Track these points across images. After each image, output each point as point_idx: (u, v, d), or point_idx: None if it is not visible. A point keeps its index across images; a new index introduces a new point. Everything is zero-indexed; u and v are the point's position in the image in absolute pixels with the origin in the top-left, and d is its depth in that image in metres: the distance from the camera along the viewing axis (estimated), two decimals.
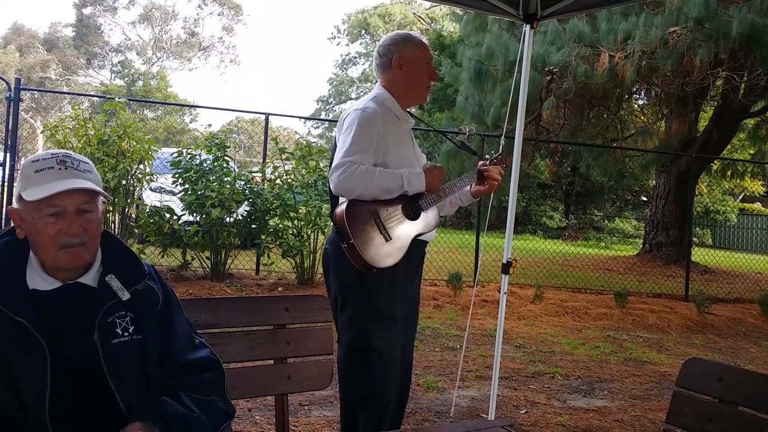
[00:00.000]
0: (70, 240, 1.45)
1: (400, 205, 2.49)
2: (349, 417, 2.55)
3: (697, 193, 18.07)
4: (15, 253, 1.48)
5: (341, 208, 2.41)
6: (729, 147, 16.00)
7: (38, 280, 1.47)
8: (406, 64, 2.61)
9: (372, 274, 2.42)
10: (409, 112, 2.75)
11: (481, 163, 2.77)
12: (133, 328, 1.50)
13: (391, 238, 2.43)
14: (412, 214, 2.51)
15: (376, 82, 2.72)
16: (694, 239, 17.73)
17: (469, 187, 2.76)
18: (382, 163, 2.49)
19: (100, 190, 1.50)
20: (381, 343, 2.46)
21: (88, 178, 1.50)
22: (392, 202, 2.47)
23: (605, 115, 13.06)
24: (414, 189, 2.48)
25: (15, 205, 1.50)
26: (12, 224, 1.53)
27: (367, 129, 2.46)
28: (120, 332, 1.48)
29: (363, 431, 2.48)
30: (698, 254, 14.14)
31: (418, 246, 2.58)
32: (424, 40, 2.74)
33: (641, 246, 14.43)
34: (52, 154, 1.49)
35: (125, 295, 1.51)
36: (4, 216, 7.31)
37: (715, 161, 13.80)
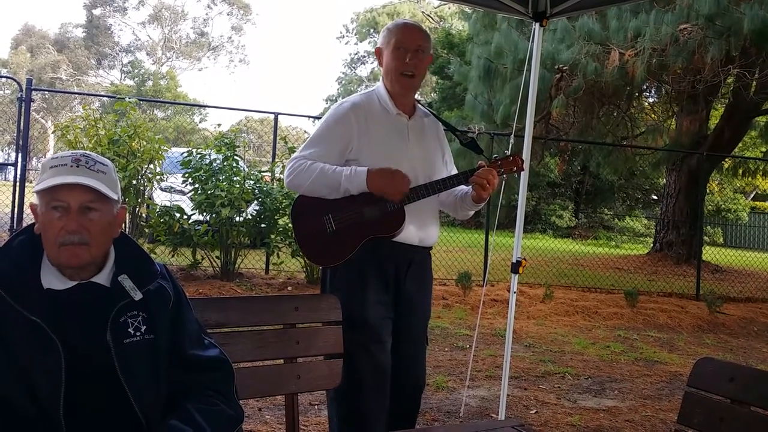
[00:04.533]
0: (70, 237, 1.44)
1: (358, 203, 2.33)
2: (328, 412, 2.52)
3: (708, 191, 17.98)
4: (31, 251, 1.49)
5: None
6: (740, 145, 15.87)
7: (52, 279, 1.47)
8: (381, 53, 2.47)
9: (342, 277, 2.38)
10: (423, 106, 2.61)
11: (479, 163, 2.48)
12: (145, 327, 1.51)
13: (336, 237, 2.32)
14: (372, 215, 2.33)
15: None
16: (705, 238, 17.60)
17: (467, 190, 2.53)
18: (354, 159, 2.38)
19: (100, 188, 1.46)
20: (352, 349, 2.28)
21: (99, 178, 1.48)
22: (350, 199, 2.33)
23: (615, 113, 13.00)
24: (355, 189, 2.30)
25: (33, 200, 1.52)
26: (27, 223, 1.55)
27: (333, 125, 2.41)
28: (132, 332, 1.48)
29: (338, 430, 2.42)
30: (709, 253, 14.04)
31: (394, 250, 2.40)
32: (401, 23, 2.47)
33: (652, 245, 14.36)
34: (71, 153, 1.50)
35: (137, 295, 1.51)
36: (15, 215, 7.36)
37: (727, 159, 13.71)
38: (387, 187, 2.31)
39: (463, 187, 2.54)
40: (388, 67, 2.42)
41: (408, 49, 2.39)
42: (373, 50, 3.19)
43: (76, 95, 37.96)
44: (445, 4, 32.92)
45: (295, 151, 8.18)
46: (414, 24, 2.50)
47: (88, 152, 1.52)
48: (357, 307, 2.35)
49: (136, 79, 43.66)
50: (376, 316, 2.39)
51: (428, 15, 38.70)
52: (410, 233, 2.41)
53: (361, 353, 2.33)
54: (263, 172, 8.28)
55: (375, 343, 2.38)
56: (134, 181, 7.52)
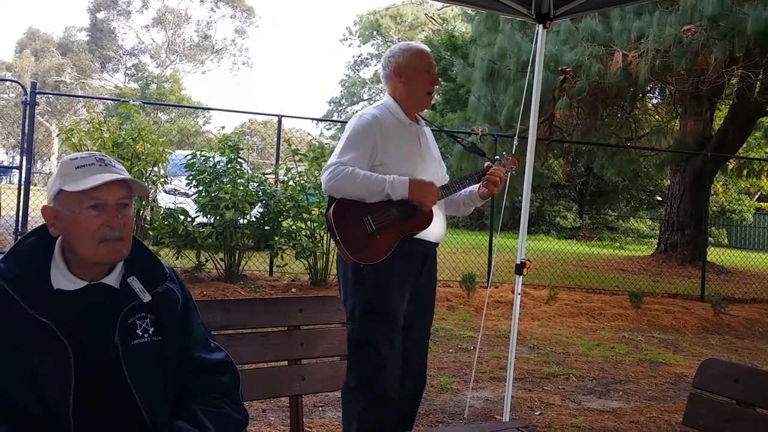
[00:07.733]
0: (111, 233, 1.46)
1: (392, 204, 2.55)
2: (345, 402, 2.71)
3: (712, 192, 17.92)
4: (41, 253, 1.50)
5: (331, 206, 2.55)
6: (745, 146, 15.85)
7: (62, 280, 1.48)
8: (404, 72, 2.72)
9: (368, 271, 2.54)
10: (421, 116, 2.86)
11: (487, 164, 2.81)
12: (153, 329, 1.51)
13: (377, 236, 2.51)
14: (404, 214, 2.56)
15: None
16: (710, 239, 17.54)
17: (476, 188, 2.80)
18: (379, 164, 2.59)
19: (142, 183, 1.54)
20: (376, 337, 2.56)
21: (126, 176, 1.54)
22: (384, 203, 2.54)
23: (619, 115, 12.99)
24: (397, 195, 2.53)
25: (50, 203, 1.51)
26: (32, 225, 1.55)
27: (361, 134, 2.61)
28: (140, 333, 1.49)
29: (359, 418, 2.60)
30: (714, 254, 14.00)
31: (418, 246, 2.64)
32: (424, 48, 2.81)
33: (656, 246, 14.33)
34: (89, 154, 1.52)
35: (146, 297, 1.52)
36: (20, 218, 7.38)
37: (731, 160, 13.68)
38: (423, 197, 2.57)
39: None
40: (418, 84, 2.72)
41: (432, 72, 2.76)
42: (377, 53, 3.37)
43: (81, 98, 38.11)
44: (448, 6, 32.92)
45: (298, 154, 8.13)
46: None
47: (104, 154, 1.56)
48: (383, 300, 2.58)
49: (140, 82, 43.78)
50: (397, 308, 2.62)
51: (431, 17, 38.75)
52: (432, 230, 2.66)
53: (385, 342, 2.58)
54: (267, 174, 8.29)
55: (395, 333, 2.63)
56: None
